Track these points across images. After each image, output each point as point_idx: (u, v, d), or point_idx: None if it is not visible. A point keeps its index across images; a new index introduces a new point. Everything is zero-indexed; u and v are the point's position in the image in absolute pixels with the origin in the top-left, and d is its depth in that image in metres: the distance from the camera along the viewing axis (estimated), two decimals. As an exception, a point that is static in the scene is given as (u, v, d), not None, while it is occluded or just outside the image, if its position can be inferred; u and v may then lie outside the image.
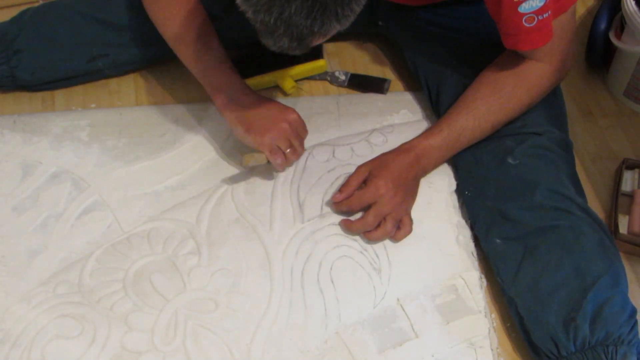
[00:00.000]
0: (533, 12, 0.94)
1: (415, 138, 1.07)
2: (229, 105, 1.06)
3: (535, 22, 0.96)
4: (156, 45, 1.22)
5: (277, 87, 1.27)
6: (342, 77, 1.29)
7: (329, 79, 1.30)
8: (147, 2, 1.12)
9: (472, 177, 1.08)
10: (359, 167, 1.05)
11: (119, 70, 1.27)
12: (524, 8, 0.94)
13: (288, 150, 1.06)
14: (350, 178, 1.04)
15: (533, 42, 0.99)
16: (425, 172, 1.08)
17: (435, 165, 1.09)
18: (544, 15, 0.95)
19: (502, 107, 1.04)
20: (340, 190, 1.04)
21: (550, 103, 1.10)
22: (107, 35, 1.21)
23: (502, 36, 1.02)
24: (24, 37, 1.21)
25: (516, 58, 1.04)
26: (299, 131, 1.08)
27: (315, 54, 1.28)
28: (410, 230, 1.04)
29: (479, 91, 1.05)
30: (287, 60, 1.24)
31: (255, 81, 1.24)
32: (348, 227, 1.03)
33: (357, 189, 1.03)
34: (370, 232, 1.02)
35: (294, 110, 1.08)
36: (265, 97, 1.10)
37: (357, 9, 0.82)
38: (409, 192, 1.04)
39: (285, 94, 1.27)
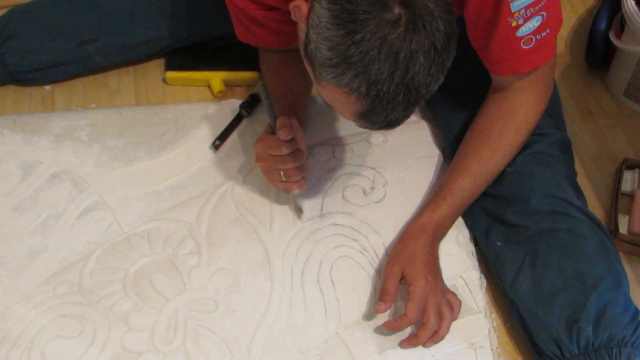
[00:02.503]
0: (531, 33, 0.92)
1: (424, 212, 0.99)
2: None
3: (533, 43, 0.93)
4: (145, 33, 1.23)
5: (208, 87, 1.27)
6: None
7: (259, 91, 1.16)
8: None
9: None
10: (389, 268, 0.96)
11: (109, 57, 1.27)
12: (522, 31, 0.91)
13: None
14: (385, 283, 0.95)
15: (533, 61, 0.96)
16: (440, 241, 1.01)
17: (447, 231, 1.03)
18: (542, 34, 0.93)
19: (491, 156, 0.99)
20: (381, 299, 0.93)
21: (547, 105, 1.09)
22: (97, 19, 1.22)
23: (493, 65, 0.98)
24: (14, 23, 1.22)
25: (502, 99, 1.00)
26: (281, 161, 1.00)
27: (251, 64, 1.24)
28: (459, 304, 0.96)
29: (469, 145, 1.01)
30: (222, 64, 1.27)
31: (185, 75, 1.26)
32: (415, 343, 0.94)
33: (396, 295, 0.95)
34: (437, 332, 0.94)
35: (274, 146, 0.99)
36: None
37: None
38: (439, 268, 0.98)
39: (214, 95, 1.26)
